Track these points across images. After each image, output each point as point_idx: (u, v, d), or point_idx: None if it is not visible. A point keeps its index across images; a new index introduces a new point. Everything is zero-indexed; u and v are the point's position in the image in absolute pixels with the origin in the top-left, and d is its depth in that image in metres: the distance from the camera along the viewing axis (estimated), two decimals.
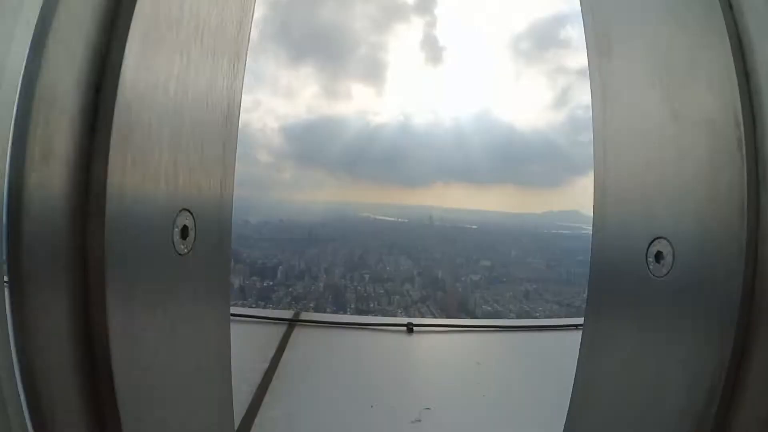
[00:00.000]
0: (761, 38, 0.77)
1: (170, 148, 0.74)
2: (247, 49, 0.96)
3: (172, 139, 0.75)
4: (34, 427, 0.57)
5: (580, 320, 1.68)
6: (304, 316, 2.69)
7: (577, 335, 1.12)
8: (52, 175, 0.58)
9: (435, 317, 28.95)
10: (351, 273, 34.31)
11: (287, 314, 2.72)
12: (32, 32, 0.55)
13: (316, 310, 27.75)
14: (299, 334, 2.43)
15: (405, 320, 2.58)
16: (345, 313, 28.07)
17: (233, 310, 1.63)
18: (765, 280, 0.71)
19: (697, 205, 0.82)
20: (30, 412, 0.57)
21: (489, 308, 29.71)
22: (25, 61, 0.55)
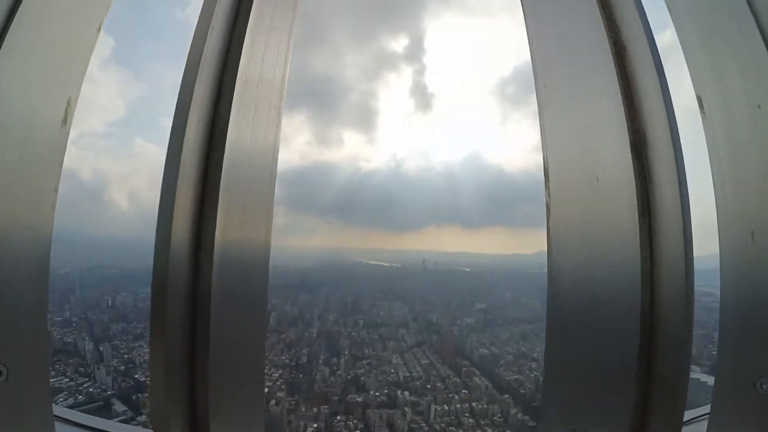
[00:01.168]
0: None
1: None
2: None
3: None
4: None
5: None
6: None
7: None
8: None
9: (431, 362, 28.23)
10: (345, 319, 33.62)
11: None
12: None
13: (309, 357, 26.92)
14: None
15: None
16: (339, 358, 27.30)
17: None
18: None
19: None
20: None
21: (486, 351, 28.95)
22: None
